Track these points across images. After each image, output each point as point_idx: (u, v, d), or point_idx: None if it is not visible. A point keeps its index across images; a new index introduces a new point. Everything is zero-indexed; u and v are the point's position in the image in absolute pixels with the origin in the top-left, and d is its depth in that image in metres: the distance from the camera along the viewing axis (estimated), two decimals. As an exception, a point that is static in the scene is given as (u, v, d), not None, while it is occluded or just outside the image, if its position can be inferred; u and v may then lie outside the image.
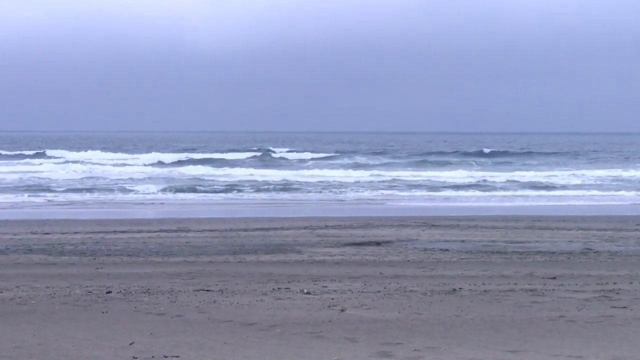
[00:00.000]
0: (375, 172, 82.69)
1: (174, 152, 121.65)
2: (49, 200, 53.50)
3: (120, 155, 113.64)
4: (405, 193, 60.76)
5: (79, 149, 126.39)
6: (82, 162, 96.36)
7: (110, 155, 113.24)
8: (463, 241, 31.01)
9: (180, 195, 58.73)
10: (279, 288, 20.08)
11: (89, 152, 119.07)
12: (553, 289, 19.95)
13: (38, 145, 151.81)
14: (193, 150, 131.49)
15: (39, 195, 56.30)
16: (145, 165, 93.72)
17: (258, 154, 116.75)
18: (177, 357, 13.34)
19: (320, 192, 61.57)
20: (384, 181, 72.05)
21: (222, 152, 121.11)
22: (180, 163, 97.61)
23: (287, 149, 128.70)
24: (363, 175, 78.79)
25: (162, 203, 52.91)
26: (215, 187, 65.77)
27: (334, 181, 71.28)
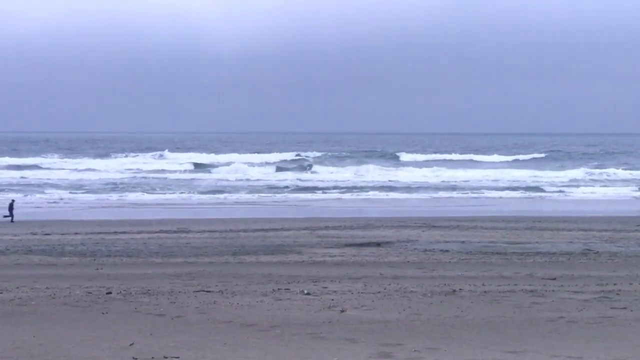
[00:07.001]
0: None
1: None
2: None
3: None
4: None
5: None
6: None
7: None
8: (463, 242, 31.03)
9: None
10: (279, 289, 20.09)
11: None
12: (553, 290, 19.96)
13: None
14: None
15: None
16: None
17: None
18: (177, 357, 13.34)
19: None
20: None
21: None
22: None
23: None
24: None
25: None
26: None
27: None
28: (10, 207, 40.81)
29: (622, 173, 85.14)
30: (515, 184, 71.72)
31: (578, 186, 69.97)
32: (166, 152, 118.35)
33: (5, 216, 40.22)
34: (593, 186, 69.99)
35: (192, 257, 26.75)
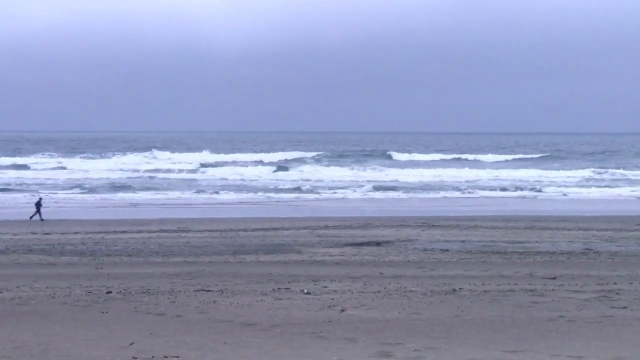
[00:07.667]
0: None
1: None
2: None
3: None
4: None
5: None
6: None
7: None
8: (463, 241, 31.03)
9: None
10: (279, 288, 20.09)
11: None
12: (553, 289, 19.96)
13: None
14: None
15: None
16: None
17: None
18: (177, 357, 13.34)
19: None
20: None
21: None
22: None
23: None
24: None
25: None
26: None
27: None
28: (38, 206, 40.57)
29: (626, 173, 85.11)
30: (516, 184, 71.76)
31: (589, 186, 69.59)
32: (158, 152, 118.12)
33: (33, 215, 40.16)
34: (601, 186, 69.77)
35: (192, 257, 26.75)
